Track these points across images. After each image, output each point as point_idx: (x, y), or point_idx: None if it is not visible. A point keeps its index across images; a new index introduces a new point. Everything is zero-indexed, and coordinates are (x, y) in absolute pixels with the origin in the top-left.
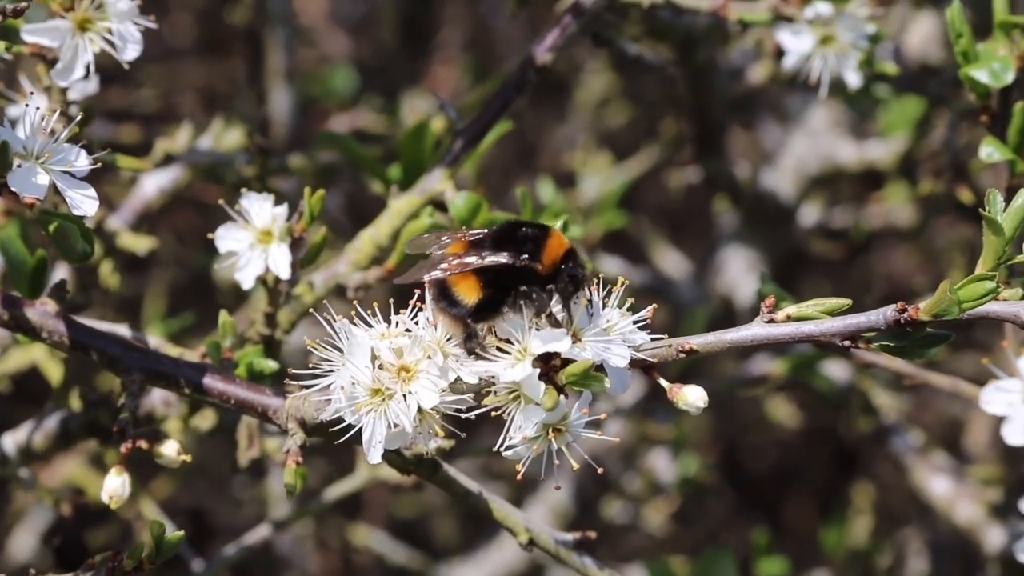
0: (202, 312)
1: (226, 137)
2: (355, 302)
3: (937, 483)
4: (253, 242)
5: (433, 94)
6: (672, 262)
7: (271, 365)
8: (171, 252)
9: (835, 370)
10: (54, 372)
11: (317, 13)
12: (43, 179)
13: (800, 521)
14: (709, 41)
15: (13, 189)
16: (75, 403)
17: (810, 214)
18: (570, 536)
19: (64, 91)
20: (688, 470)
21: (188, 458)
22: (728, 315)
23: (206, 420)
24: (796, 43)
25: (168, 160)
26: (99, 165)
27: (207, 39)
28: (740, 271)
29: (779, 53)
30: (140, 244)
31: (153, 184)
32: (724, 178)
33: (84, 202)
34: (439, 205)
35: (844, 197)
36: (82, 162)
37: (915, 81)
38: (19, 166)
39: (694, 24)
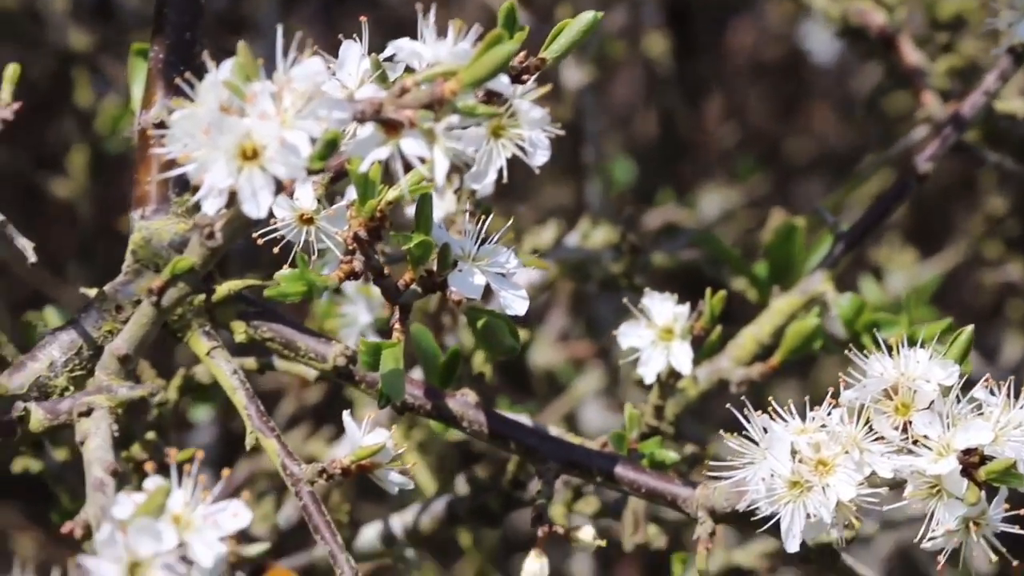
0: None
1: (593, 235)
2: (770, 399)
3: None
4: (654, 339)
5: (818, 210)
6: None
7: (672, 456)
8: None
9: None
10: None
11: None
12: (479, 280)
13: None
14: None
15: (453, 289)
16: (462, 488)
17: None
18: None
19: (473, 193)
20: None
21: (603, 543)
22: None
23: (589, 506)
24: None
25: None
26: (523, 266)
27: None
28: None
29: None
30: None
31: (522, 279)
32: None
33: (515, 302)
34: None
35: None
36: (512, 264)
37: None
38: (459, 268)
39: None
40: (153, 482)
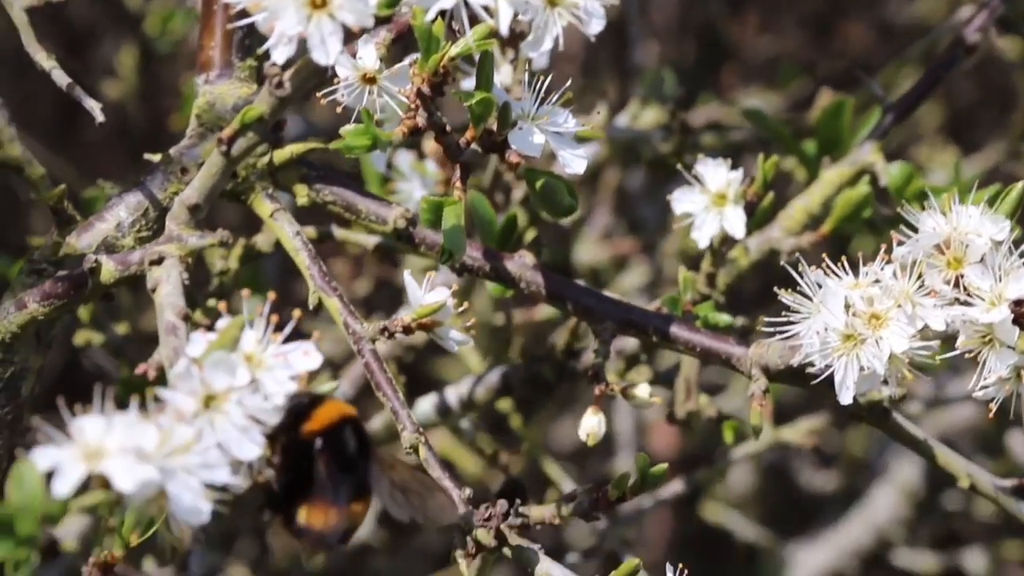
0: None
1: (643, 115)
2: (824, 256)
3: None
4: (708, 205)
5: (857, 73)
6: None
7: (725, 319)
8: None
9: None
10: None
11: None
12: (539, 139)
13: None
14: None
15: (514, 147)
16: (517, 358)
17: None
18: (1008, 482)
19: (529, 61)
20: None
21: (659, 400)
22: None
23: (641, 375)
24: None
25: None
26: (589, 127)
27: None
28: None
29: None
30: None
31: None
32: None
33: (574, 161)
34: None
35: None
36: (570, 124)
37: None
38: (519, 127)
39: None
40: (225, 322)
